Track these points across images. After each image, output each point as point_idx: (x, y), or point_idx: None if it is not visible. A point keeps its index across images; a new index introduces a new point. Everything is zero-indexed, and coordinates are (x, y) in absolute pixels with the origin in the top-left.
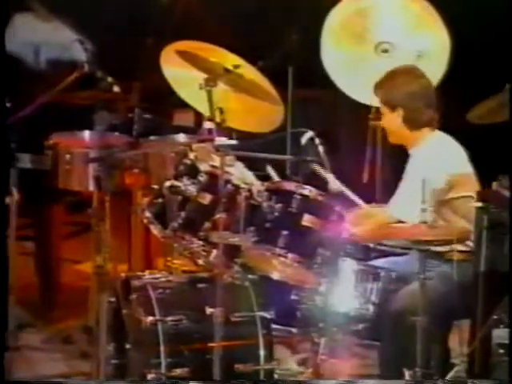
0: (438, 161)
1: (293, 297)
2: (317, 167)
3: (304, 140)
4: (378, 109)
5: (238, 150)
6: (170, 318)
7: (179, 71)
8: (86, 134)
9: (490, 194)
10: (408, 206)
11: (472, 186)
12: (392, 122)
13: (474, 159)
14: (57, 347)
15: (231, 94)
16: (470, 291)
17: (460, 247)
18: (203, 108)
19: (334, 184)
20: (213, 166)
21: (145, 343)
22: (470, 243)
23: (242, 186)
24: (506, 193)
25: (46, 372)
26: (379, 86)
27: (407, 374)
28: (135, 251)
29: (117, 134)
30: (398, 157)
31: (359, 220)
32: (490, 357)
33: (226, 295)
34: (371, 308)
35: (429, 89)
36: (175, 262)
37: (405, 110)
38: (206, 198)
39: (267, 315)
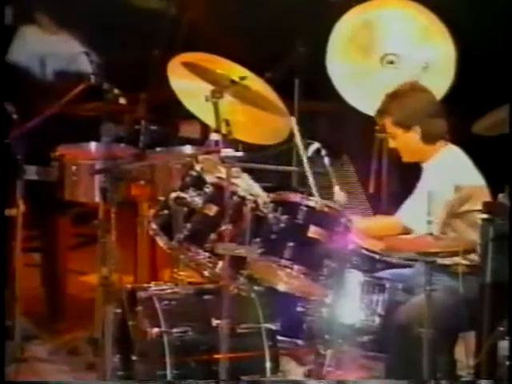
0: (452, 173)
1: (299, 308)
2: (323, 179)
3: (310, 152)
4: (383, 128)
5: (244, 162)
6: (175, 330)
7: (186, 83)
8: (93, 145)
9: (496, 206)
10: (418, 216)
11: (485, 199)
12: (409, 141)
13: (481, 171)
14: (63, 358)
15: (238, 105)
16: (475, 303)
17: (465, 261)
18: (209, 120)
19: (340, 195)
20: (219, 178)
21: (151, 355)
22: (475, 257)
23: (248, 197)
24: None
25: None
26: (385, 110)
27: None
28: (141, 263)
29: (123, 145)
30: (405, 168)
31: (366, 230)
32: (496, 368)
33: (231, 307)
34: (377, 320)
35: (435, 101)
36: (181, 273)
37: (422, 127)
38: (212, 210)
39: (273, 327)
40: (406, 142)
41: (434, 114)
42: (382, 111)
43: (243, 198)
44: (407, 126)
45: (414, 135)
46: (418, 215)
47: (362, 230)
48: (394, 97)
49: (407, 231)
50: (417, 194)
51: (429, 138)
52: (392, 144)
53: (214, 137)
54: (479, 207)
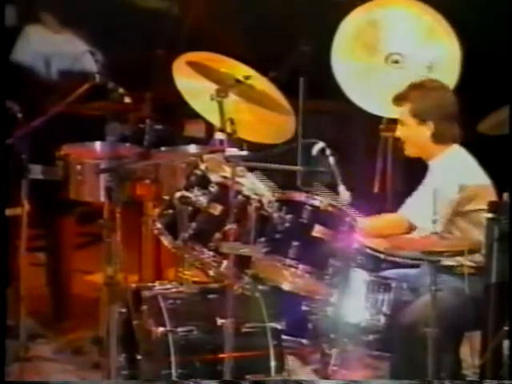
0: (458, 173)
1: (304, 308)
2: (327, 178)
3: (315, 151)
4: (390, 119)
5: (249, 161)
6: (180, 329)
7: (190, 82)
8: (98, 144)
9: (501, 205)
10: (422, 212)
11: (490, 198)
12: (419, 135)
13: (486, 170)
14: (68, 358)
15: (242, 104)
16: (480, 303)
17: (470, 262)
18: (214, 119)
19: (345, 195)
20: (224, 177)
21: (155, 354)
22: (480, 258)
23: (253, 196)
24: None
25: None
26: (406, 97)
27: None
28: (146, 262)
29: (128, 144)
30: (409, 167)
31: (371, 229)
32: (500, 368)
33: (236, 306)
34: (382, 319)
35: (456, 104)
36: (186, 272)
37: (436, 125)
38: (217, 209)
39: (278, 326)
40: (416, 134)
41: (451, 116)
42: (402, 97)
43: (248, 198)
44: (423, 119)
45: (425, 130)
46: (421, 211)
47: (368, 228)
48: (419, 86)
49: (412, 228)
50: (421, 191)
51: (439, 138)
52: (399, 133)
53: (218, 136)
54: (483, 206)
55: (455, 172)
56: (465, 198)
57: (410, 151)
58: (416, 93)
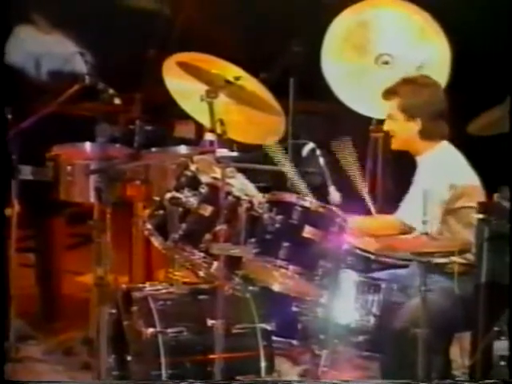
0: (446, 170)
1: (294, 308)
2: (318, 179)
3: (305, 151)
4: (380, 120)
5: (239, 162)
6: (170, 330)
7: (180, 83)
8: (88, 145)
9: (491, 206)
10: (417, 212)
11: (479, 197)
12: (406, 131)
13: (476, 171)
14: (58, 359)
15: (232, 105)
16: (470, 304)
17: (460, 260)
18: (204, 120)
19: (335, 195)
20: (214, 178)
21: (145, 355)
22: (471, 256)
23: (243, 197)
24: (507, 204)
25: None
26: (396, 91)
27: None
28: (136, 263)
29: (118, 145)
30: (399, 168)
31: (365, 230)
32: (491, 368)
33: (226, 307)
34: (372, 320)
35: (446, 102)
36: (176, 273)
37: (423, 122)
38: (207, 210)
39: (268, 327)
40: (403, 129)
41: (440, 114)
42: (392, 91)
43: (238, 198)
44: (411, 115)
45: (413, 126)
46: (418, 213)
47: (361, 229)
48: (411, 82)
49: (407, 230)
50: (413, 191)
51: (426, 135)
52: (386, 127)
53: (208, 137)
54: (472, 204)
55: (444, 168)
56: (453, 195)
57: (397, 146)
58: (407, 88)
